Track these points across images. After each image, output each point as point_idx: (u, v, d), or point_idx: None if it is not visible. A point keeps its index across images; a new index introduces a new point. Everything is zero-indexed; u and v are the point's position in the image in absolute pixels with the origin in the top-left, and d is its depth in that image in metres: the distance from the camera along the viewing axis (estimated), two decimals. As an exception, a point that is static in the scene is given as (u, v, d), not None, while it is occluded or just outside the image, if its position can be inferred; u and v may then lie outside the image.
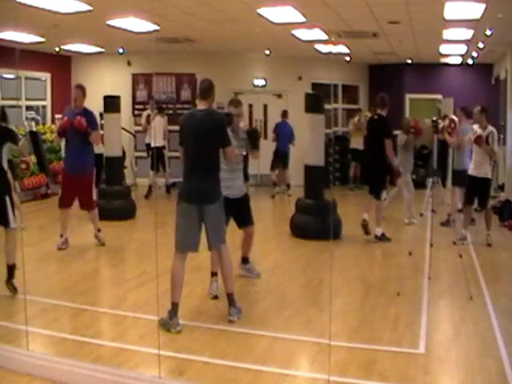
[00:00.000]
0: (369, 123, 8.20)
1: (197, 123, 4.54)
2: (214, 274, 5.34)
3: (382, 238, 7.60)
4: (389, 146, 7.51)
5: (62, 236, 7.02)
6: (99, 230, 7.23)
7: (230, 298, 4.70)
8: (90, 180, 7.14)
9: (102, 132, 8.61)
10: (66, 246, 6.99)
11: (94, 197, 7.36)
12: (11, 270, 5.18)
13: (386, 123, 7.64)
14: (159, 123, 11.35)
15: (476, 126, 7.31)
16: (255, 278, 5.88)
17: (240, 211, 5.50)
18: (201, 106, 4.63)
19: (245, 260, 5.92)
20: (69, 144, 7.01)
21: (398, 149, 8.69)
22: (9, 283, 5.17)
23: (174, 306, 4.44)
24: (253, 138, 5.46)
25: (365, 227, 7.67)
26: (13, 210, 5.23)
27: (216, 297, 5.21)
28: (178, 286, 4.48)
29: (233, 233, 5.67)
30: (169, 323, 4.40)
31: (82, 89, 7.02)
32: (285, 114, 12.03)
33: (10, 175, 5.60)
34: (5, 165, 5.27)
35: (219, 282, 5.16)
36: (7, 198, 5.16)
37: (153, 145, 10.98)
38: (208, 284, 5.37)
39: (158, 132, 11.09)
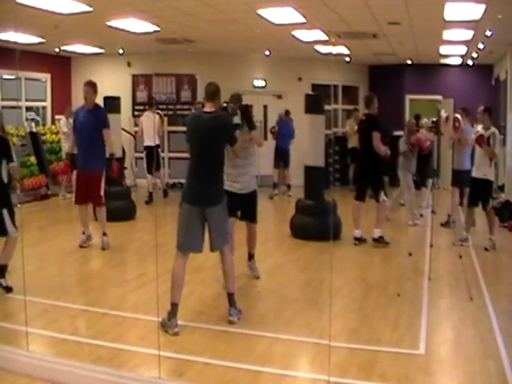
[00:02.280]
0: (359, 125, 7.83)
1: (202, 125, 4.56)
2: None
3: (380, 241, 7.37)
4: (375, 138, 7.19)
5: (84, 233, 7.11)
6: (104, 234, 7.11)
7: (231, 298, 4.72)
8: (99, 178, 7.05)
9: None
10: (87, 243, 7.12)
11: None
12: (1, 269, 5.23)
13: (374, 120, 7.41)
14: (149, 121, 10.59)
15: (480, 127, 7.26)
16: (255, 279, 5.89)
17: (245, 207, 5.53)
18: (207, 107, 4.64)
19: (250, 256, 5.94)
20: (79, 143, 7.02)
21: (400, 154, 8.77)
22: None
23: (174, 307, 4.44)
24: (245, 115, 5.23)
25: (359, 242, 7.49)
26: (13, 220, 5.23)
27: None
28: (178, 286, 4.47)
29: (238, 230, 5.68)
30: (167, 324, 4.40)
31: (92, 85, 6.98)
32: (287, 113, 12.10)
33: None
34: (4, 177, 5.26)
35: (220, 283, 5.18)
36: (5, 211, 5.18)
37: (145, 144, 10.56)
38: (209, 284, 5.39)
39: (148, 130, 10.44)
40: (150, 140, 10.42)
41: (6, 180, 5.30)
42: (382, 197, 7.46)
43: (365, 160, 7.49)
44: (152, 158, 10.47)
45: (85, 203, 7.15)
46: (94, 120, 6.89)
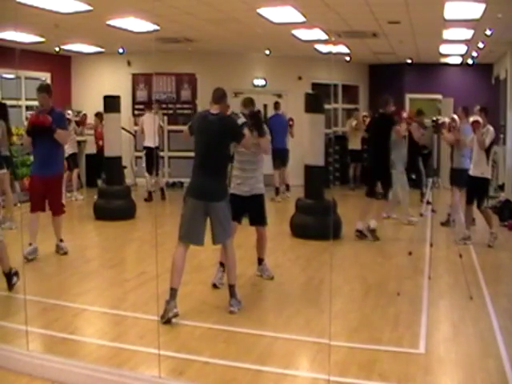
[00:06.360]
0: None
1: (208, 126, 4.79)
2: (222, 265, 5.45)
3: (373, 234, 7.64)
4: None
5: (30, 244, 6.40)
6: (61, 240, 6.77)
7: (232, 289, 4.87)
8: (57, 183, 6.67)
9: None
10: (34, 255, 6.41)
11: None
12: (9, 276, 5.24)
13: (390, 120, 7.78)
14: (149, 121, 10.72)
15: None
16: (258, 278, 5.87)
17: (252, 209, 5.57)
18: (213, 109, 4.85)
19: (260, 261, 5.95)
20: (36, 146, 6.42)
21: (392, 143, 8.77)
22: (11, 287, 5.23)
23: (172, 291, 4.54)
24: (255, 121, 5.35)
25: (361, 236, 7.71)
26: None
27: (215, 285, 5.37)
28: (177, 272, 4.59)
29: (245, 231, 5.68)
30: (166, 309, 4.45)
31: (46, 91, 6.40)
32: (277, 105, 11.65)
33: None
34: None
35: (223, 280, 5.25)
36: None
37: (145, 145, 10.72)
38: (209, 283, 5.41)
39: (148, 132, 10.51)
40: (150, 141, 10.54)
41: None
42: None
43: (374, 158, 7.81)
44: (151, 159, 10.56)
45: (40, 210, 6.53)
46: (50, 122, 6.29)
